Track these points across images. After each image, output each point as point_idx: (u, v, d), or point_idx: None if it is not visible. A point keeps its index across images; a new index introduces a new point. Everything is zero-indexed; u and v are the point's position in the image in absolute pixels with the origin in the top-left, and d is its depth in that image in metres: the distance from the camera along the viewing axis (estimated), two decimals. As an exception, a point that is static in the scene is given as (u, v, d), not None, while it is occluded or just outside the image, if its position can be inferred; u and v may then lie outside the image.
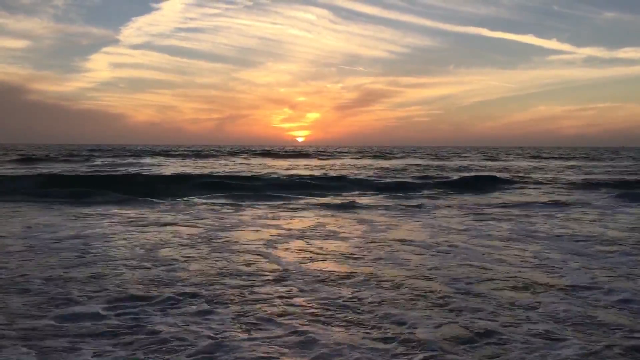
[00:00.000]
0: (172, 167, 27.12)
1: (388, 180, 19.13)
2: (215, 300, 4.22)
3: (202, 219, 9.03)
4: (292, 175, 19.47)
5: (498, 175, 20.78)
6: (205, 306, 4.07)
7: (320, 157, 45.17)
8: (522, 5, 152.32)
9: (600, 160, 43.72)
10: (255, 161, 36.75)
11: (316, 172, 22.80)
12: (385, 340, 3.46)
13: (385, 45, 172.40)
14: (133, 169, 23.68)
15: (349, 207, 11.28)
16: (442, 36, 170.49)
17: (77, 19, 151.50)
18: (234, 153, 53.00)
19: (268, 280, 4.91)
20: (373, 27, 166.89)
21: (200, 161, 36.28)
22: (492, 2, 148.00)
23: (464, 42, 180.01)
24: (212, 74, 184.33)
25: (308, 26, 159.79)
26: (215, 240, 6.93)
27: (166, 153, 47.93)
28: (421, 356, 3.19)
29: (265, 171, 22.86)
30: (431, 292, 4.56)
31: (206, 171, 22.40)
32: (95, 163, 30.71)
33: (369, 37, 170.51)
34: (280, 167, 28.87)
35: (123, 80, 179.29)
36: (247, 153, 53.31)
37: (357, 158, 45.73)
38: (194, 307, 4.06)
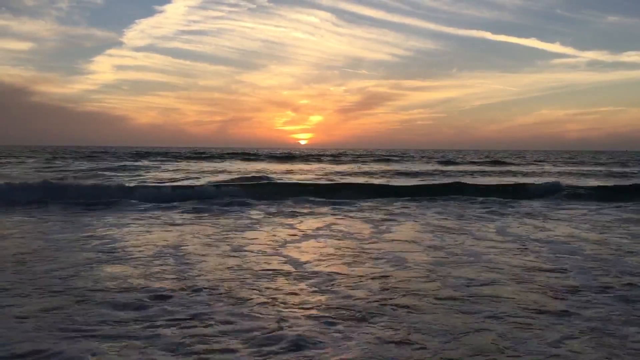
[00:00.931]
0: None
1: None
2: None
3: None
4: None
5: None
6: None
7: (344, 162, 41.74)
8: (525, 9, 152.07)
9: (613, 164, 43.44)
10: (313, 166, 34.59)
11: (360, 179, 22.14)
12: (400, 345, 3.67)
13: (389, 48, 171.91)
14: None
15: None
16: (445, 39, 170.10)
17: (80, 21, 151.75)
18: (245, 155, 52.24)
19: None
20: (376, 31, 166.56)
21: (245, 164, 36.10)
22: (495, 5, 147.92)
23: (467, 45, 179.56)
24: (215, 76, 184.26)
25: (311, 29, 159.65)
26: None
27: (199, 156, 47.36)
28: None
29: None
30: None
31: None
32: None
33: (372, 40, 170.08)
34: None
35: (126, 82, 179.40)
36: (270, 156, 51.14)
37: (382, 162, 42.92)
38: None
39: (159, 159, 41.33)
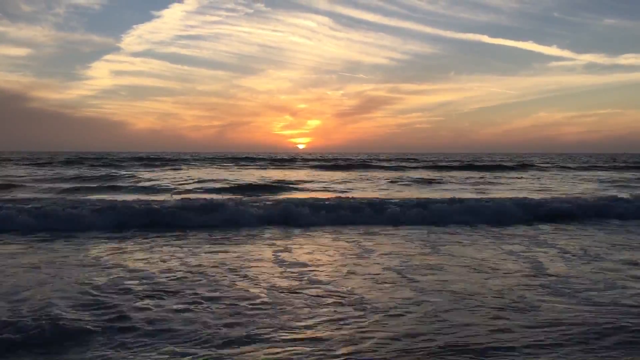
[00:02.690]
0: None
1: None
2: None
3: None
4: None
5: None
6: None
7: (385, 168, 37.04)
8: (522, 12, 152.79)
9: None
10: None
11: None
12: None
13: (386, 52, 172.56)
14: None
15: None
16: (443, 43, 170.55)
17: (78, 27, 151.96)
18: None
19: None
20: (373, 34, 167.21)
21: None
22: (492, 9, 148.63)
23: (465, 48, 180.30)
24: (213, 81, 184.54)
25: (309, 33, 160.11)
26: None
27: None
28: None
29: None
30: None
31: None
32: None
33: (370, 44, 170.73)
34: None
35: (124, 87, 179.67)
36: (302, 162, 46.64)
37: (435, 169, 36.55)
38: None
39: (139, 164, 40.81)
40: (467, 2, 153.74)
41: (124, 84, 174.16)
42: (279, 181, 22.40)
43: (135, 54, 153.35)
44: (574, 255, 6.94)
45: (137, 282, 5.27)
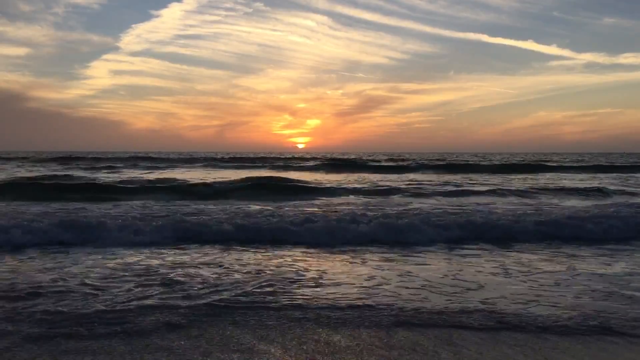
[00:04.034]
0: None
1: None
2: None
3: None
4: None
5: None
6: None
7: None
8: (522, 11, 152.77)
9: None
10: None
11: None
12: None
13: (385, 51, 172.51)
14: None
15: None
16: (442, 42, 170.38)
17: (77, 27, 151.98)
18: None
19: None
20: (373, 34, 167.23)
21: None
22: (492, 8, 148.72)
23: (464, 48, 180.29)
24: (212, 80, 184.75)
25: (308, 33, 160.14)
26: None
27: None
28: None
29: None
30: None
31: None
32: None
33: (369, 44, 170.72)
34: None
35: (123, 87, 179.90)
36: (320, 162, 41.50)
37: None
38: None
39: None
40: (467, 2, 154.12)
41: (123, 84, 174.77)
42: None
43: (134, 54, 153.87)
44: None
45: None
